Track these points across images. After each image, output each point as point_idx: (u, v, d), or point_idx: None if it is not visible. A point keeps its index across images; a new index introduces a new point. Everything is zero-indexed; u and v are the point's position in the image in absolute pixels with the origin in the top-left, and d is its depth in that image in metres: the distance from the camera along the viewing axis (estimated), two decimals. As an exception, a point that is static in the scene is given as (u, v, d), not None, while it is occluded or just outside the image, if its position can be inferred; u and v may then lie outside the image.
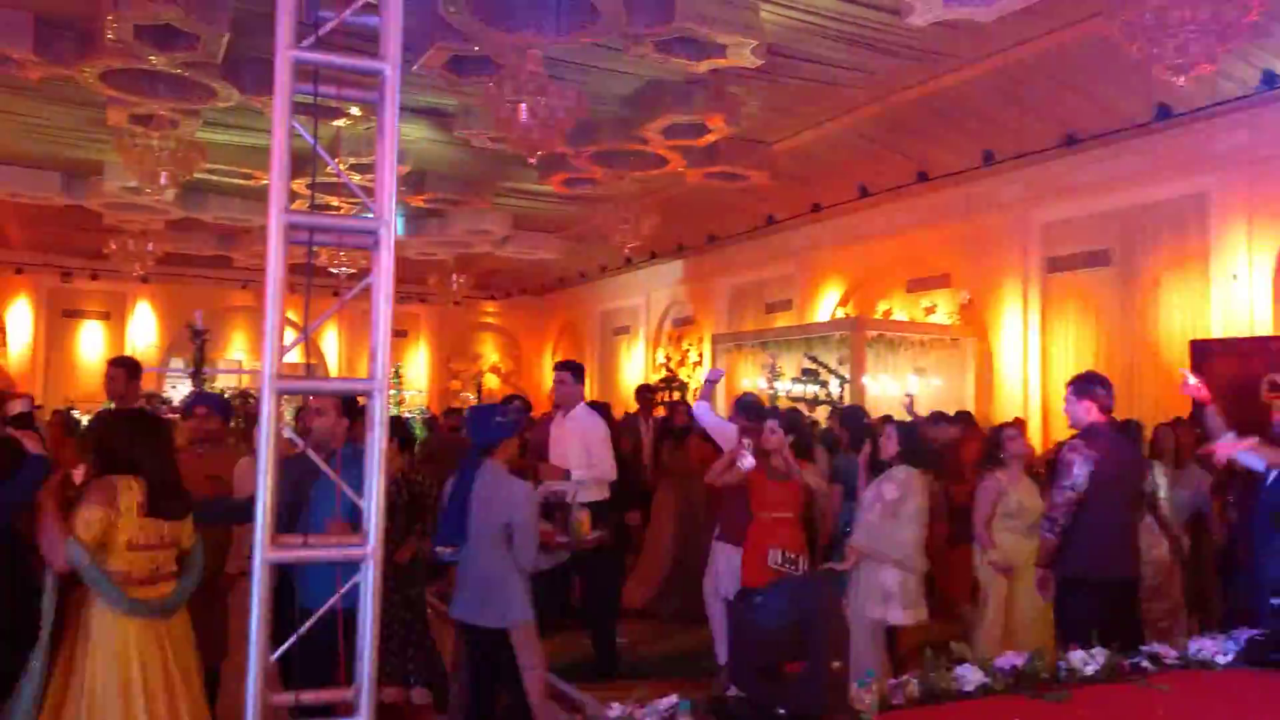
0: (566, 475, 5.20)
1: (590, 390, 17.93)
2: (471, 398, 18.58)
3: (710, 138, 9.07)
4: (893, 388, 9.87)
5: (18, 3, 6.92)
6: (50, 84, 7.97)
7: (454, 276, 16.17)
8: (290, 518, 3.44)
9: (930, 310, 11.28)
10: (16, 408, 3.60)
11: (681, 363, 15.44)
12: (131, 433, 3.25)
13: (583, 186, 11.04)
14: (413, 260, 14.93)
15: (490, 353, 21.00)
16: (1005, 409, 9.62)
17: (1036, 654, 2.83)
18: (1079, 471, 4.32)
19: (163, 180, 8.61)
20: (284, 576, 3.42)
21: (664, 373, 15.38)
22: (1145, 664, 3.05)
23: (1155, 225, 8.88)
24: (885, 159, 10.12)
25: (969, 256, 10.68)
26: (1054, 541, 4.38)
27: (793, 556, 4.79)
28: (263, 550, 2.29)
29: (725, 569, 5.25)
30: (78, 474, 3.31)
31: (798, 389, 10.48)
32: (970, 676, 2.70)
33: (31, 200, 11.56)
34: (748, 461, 4.76)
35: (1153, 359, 8.69)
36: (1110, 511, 4.37)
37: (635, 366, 17.13)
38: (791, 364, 10.82)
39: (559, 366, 6.02)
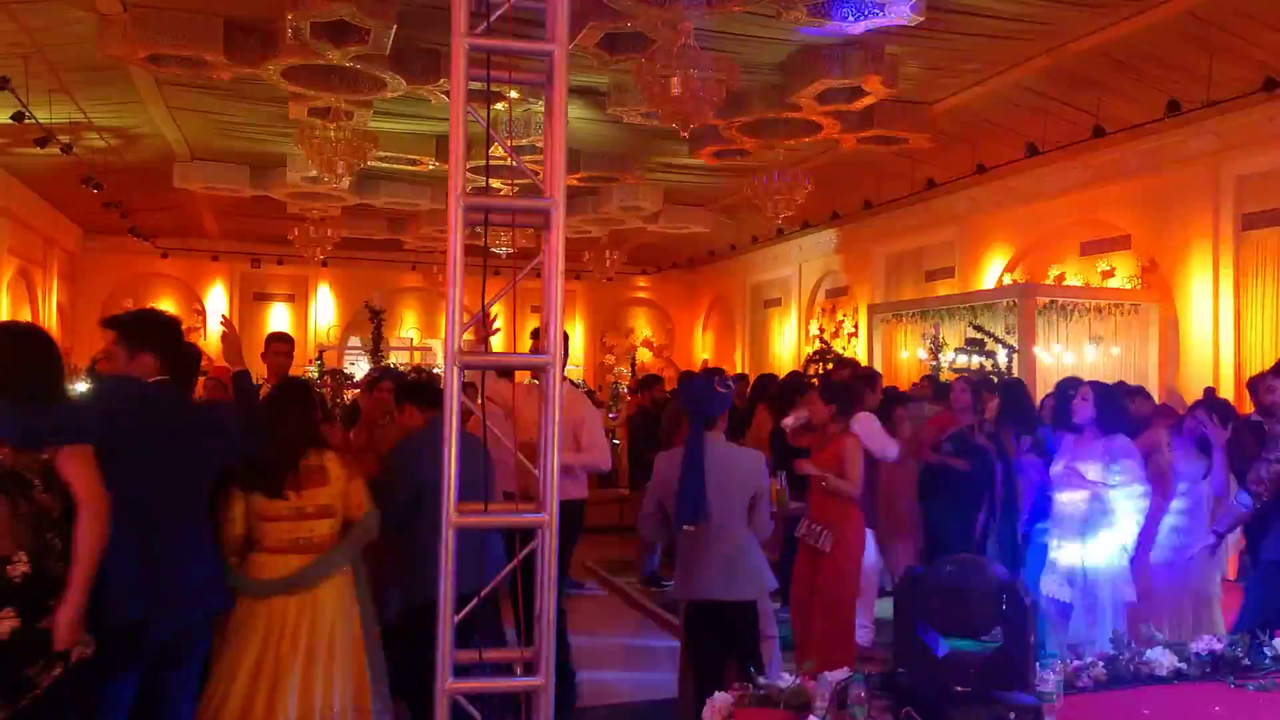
0: None
1: (741, 363, 17.90)
2: (625, 372, 18.86)
3: (866, 101, 8.81)
4: (1067, 357, 9.37)
5: (209, 9, 7.47)
6: (239, 83, 8.58)
7: (607, 253, 16.43)
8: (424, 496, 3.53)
9: (1108, 274, 10.61)
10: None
11: (835, 334, 15.15)
12: (272, 410, 3.47)
13: (733, 158, 10.96)
14: (568, 238, 15.24)
15: (643, 327, 21.25)
16: (1193, 380, 8.95)
17: (1239, 639, 2.65)
18: None
19: (339, 169, 9.12)
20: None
21: (817, 345, 15.14)
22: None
23: (1371, 174, 8.02)
24: (1056, 114, 9.53)
25: (1151, 216, 9.96)
26: (1246, 515, 4.09)
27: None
28: (448, 516, 2.43)
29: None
30: None
31: (961, 360, 10.10)
32: (1163, 661, 2.56)
33: (224, 192, 12.51)
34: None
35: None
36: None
37: (787, 339, 16.95)
38: (955, 334, 10.44)
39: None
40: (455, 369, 2.48)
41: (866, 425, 5.52)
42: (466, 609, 2.52)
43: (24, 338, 2.78)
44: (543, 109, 8.85)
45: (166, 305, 17.46)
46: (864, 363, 13.42)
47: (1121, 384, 7.04)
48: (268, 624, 3.17)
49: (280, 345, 6.03)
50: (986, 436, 6.03)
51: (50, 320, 14.90)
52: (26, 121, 9.36)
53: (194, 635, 3.00)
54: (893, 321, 11.93)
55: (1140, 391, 7.00)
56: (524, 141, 9.51)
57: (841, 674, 2.25)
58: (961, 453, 6.17)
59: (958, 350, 10.20)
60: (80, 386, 4.72)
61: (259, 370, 5.64)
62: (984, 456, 5.88)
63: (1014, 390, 6.46)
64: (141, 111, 9.93)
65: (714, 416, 3.64)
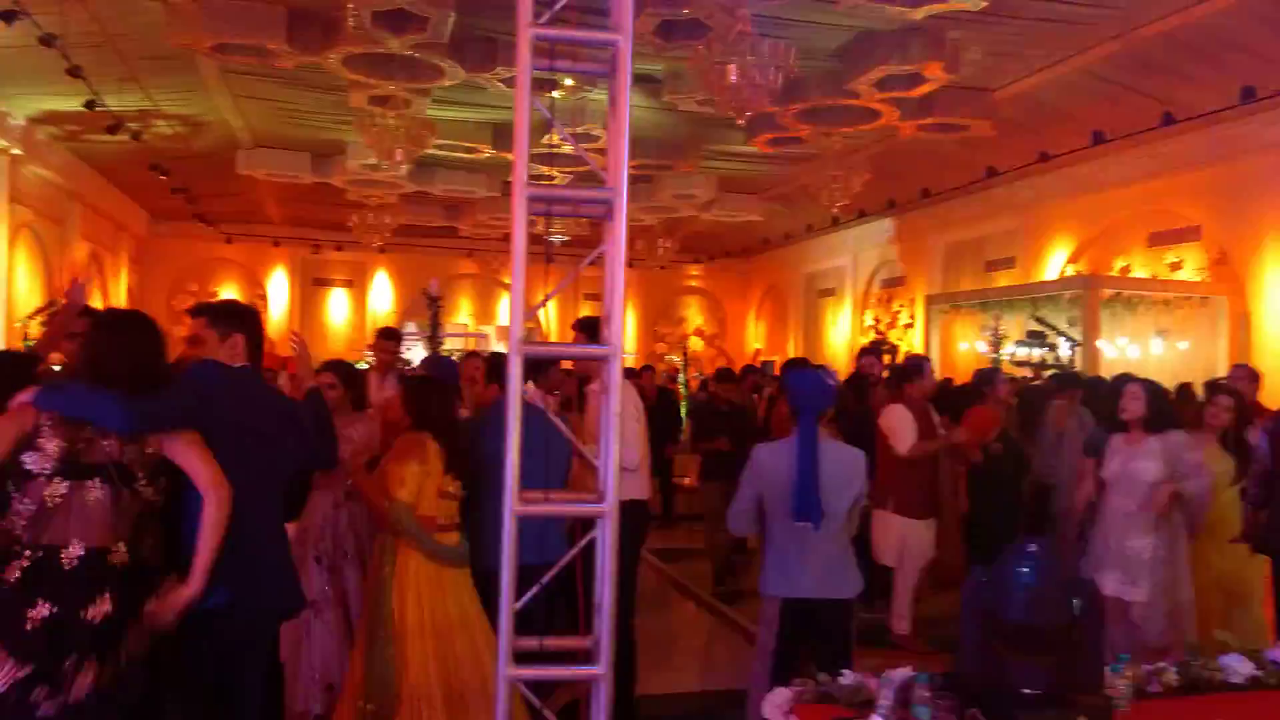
0: None
1: (796, 353, 17.75)
2: (677, 359, 18.83)
3: (926, 88, 8.64)
4: (1131, 351, 9.12)
5: (273, -2, 7.60)
6: (301, 71, 8.71)
7: (660, 241, 16.39)
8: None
9: (1176, 266, 10.29)
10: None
11: (891, 325, 14.95)
12: (433, 394, 3.56)
13: (789, 145, 10.84)
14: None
15: (694, 316, 21.19)
16: (1266, 375, 8.66)
17: (1320, 648, 2.55)
18: None
19: (398, 157, 9.24)
20: None
21: (872, 335, 14.97)
22: None
23: None
24: (1124, 101, 9.26)
25: (1223, 206, 9.63)
26: None
27: None
28: (511, 503, 2.45)
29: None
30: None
31: (1022, 352, 9.90)
32: (1238, 668, 2.48)
33: (285, 179, 12.73)
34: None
35: None
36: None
37: (841, 330, 16.77)
38: (1016, 327, 10.22)
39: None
40: (518, 358, 2.48)
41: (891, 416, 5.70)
42: (526, 596, 2.54)
43: (133, 326, 2.80)
44: (595, 97, 8.86)
45: (230, 290, 17.87)
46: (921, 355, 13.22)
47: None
48: (434, 589, 3.33)
49: (388, 344, 6.55)
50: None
51: (120, 303, 15.32)
52: (98, 109, 9.63)
53: (269, 619, 3.05)
54: (951, 313, 11.72)
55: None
56: (578, 129, 9.51)
57: (906, 673, 2.22)
58: (1009, 452, 6.06)
59: (1018, 343, 9.99)
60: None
61: (321, 356, 5.76)
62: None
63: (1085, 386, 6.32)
64: (207, 99, 10.14)
65: (826, 410, 3.55)
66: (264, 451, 2.95)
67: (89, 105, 9.53)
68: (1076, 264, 11.52)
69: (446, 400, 3.55)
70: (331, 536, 4.03)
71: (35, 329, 10.15)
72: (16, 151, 11.13)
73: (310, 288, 18.81)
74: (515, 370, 2.48)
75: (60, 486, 2.43)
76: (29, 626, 2.34)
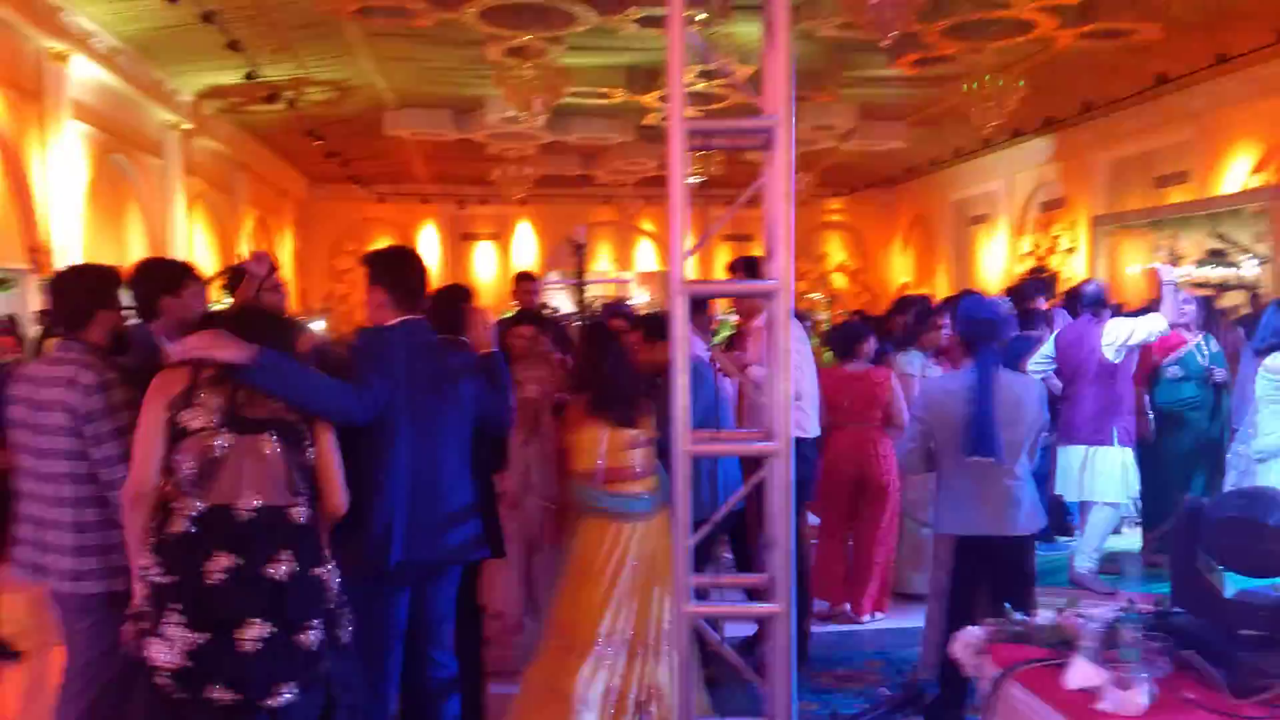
0: None
1: (946, 284, 17.07)
2: (819, 297, 18.45)
3: (1088, -9, 8.01)
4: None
5: (411, -43, 7.73)
6: (439, 28, 8.87)
7: (798, 176, 15.97)
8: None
9: (1383, 170, 9.26)
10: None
11: (1051, 250, 14.11)
12: (589, 344, 3.55)
13: (936, 65, 10.30)
14: (755, 163, 14.97)
15: (836, 251, 20.66)
16: None
17: None
18: None
19: (536, 107, 9.31)
20: None
21: (1031, 262, 14.19)
22: None
23: None
24: (1319, -12, 8.31)
25: None
26: None
27: None
28: (681, 443, 2.44)
29: None
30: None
31: (1202, 273, 9.17)
32: None
33: (429, 137, 13.09)
34: None
35: None
36: None
37: (995, 257, 15.99)
38: (1193, 245, 9.47)
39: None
40: (682, 298, 2.46)
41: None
42: (700, 533, 2.55)
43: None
44: (728, 32, 8.62)
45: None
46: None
47: None
48: (614, 542, 3.30)
49: (528, 283, 7.20)
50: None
51: (288, 266, 16.26)
52: (256, 80, 10.12)
53: (453, 559, 3.09)
54: (1118, 234, 10.96)
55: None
56: (710, 66, 9.32)
57: (1111, 612, 2.10)
58: (1189, 376, 5.61)
59: (1198, 263, 9.25)
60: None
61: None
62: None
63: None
64: (354, 63, 10.48)
65: (1004, 341, 3.40)
66: (438, 404, 2.94)
67: (248, 77, 10.02)
68: (1262, 173, 10.51)
69: (618, 349, 3.49)
70: (520, 473, 4.19)
71: (217, 293, 10.84)
72: (187, 126, 11.87)
73: (459, 243, 19.42)
74: (680, 311, 2.46)
75: (226, 438, 2.33)
76: (209, 581, 2.21)
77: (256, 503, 2.32)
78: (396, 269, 2.99)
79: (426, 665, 3.03)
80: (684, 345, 2.44)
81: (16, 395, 3.03)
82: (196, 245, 12.89)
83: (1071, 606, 2.20)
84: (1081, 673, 2.04)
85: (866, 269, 20.68)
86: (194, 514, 2.31)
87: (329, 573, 2.38)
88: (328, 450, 2.50)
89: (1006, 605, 2.48)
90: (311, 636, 2.25)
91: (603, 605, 3.24)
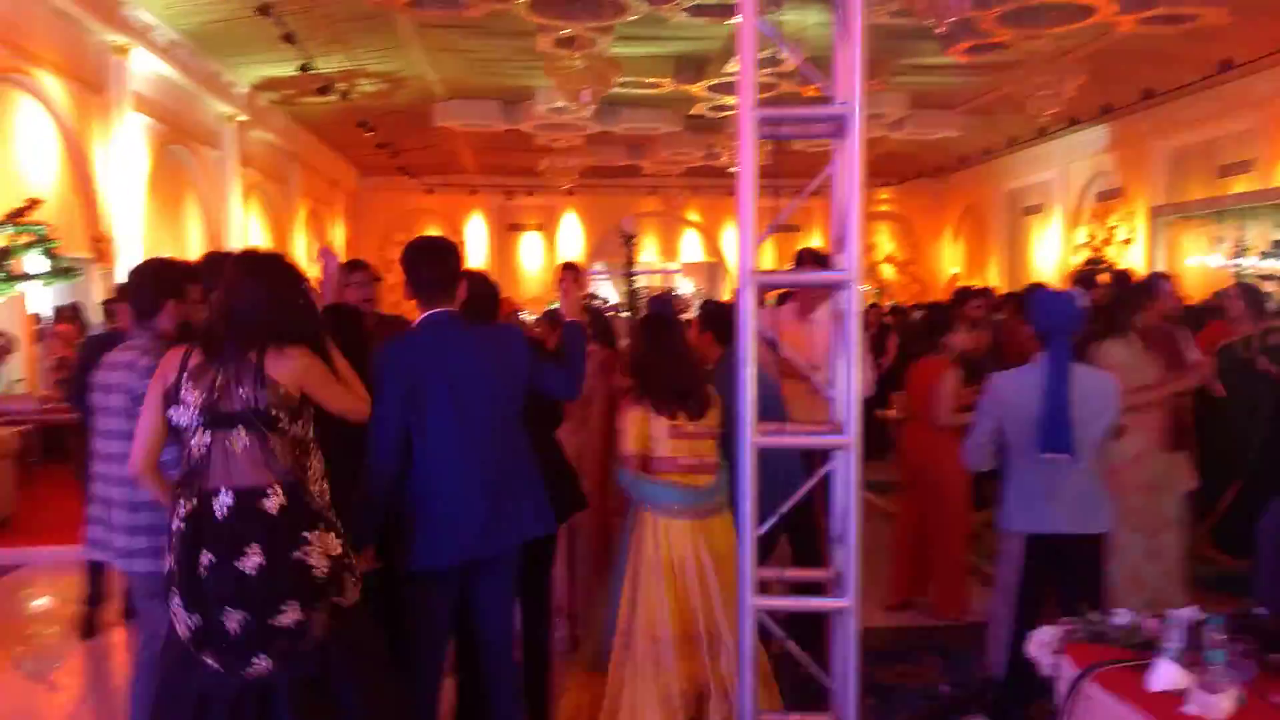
0: None
1: (998, 276, 16.78)
2: (866, 289, 18.23)
3: (1152, -25, 7.79)
4: None
5: (462, -51, 7.75)
6: (489, 20, 8.89)
7: (848, 165, 15.78)
8: None
9: None
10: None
11: (1108, 241, 13.80)
12: (649, 334, 3.48)
13: (990, 53, 10.10)
14: (804, 152, 14.84)
15: (885, 242, 20.42)
16: None
17: None
18: None
19: (585, 97, 9.30)
20: None
21: (1086, 254, 13.89)
22: None
23: None
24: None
25: None
26: None
27: None
28: (748, 435, 2.42)
29: None
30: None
31: (1267, 265, 8.92)
32: None
33: (478, 128, 13.16)
34: None
35: None
36: None
37: (1049, 249, 15.68)
38: (1258, 236, 9.21)
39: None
40: (751, 288, 2.43)
41: None
42: (766, 525, 2.53)
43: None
44: (785, 19, 8.51)
45: (431, 239, 18.81)
46: (1145, 273, 12.19)
47: None
48: (679, 538, 3.22)
49: (570, 273, 6.66)
50: (1268, 353, 5.24)
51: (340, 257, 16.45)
52: (310, 72, 10.24)
53: (511, 557, 3.03)
54: (1178, 224, 10.68)
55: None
56: (765, 53, 9.24)
57: (1193, 613, 2.04)
58: (1232, 370, 5.42)
59: (1264, 255, 8.99)
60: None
61: (512, 301, 5.91)
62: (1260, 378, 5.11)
63: None
64: (405, 55, 10.56)
65: (1076, 334, 3.30)
66: (470, 399, 2.84)
67: (303, 69, 10.14)
68: (1334, 162, 10.20)
69: (672, 337, 3.42)
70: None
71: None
72: (243, 118, 12.06)
73: (505, 233, 19.53)
74: (748, 299, 2.43)
75: (204, 437, 2.39)
76: (199, 572, 2.34)
77: (229, 499, 2.39)
78: (421, 261, 2.92)
79: (483, 652, 3.04)
80: (752, 336, 2.42)
81: (95, 381, 3.13)
82: (252, 235, 13.10)
83: (1150, 607, 2.14)
84: (1165, 675, 1.99)
85: (916, 260, 20.42)
86: (184, 514, 2.43)
87: (310, 550, 2.40)
88: (341, 405, 2.57)
89: (1081, 604, 2.42)
90: (286, 619, 2.34)
91: (679, 602, 3.18)
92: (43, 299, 8.91)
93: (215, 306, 2.51)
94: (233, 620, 2.33)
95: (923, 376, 4.82)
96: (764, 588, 2.58)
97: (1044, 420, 3.11)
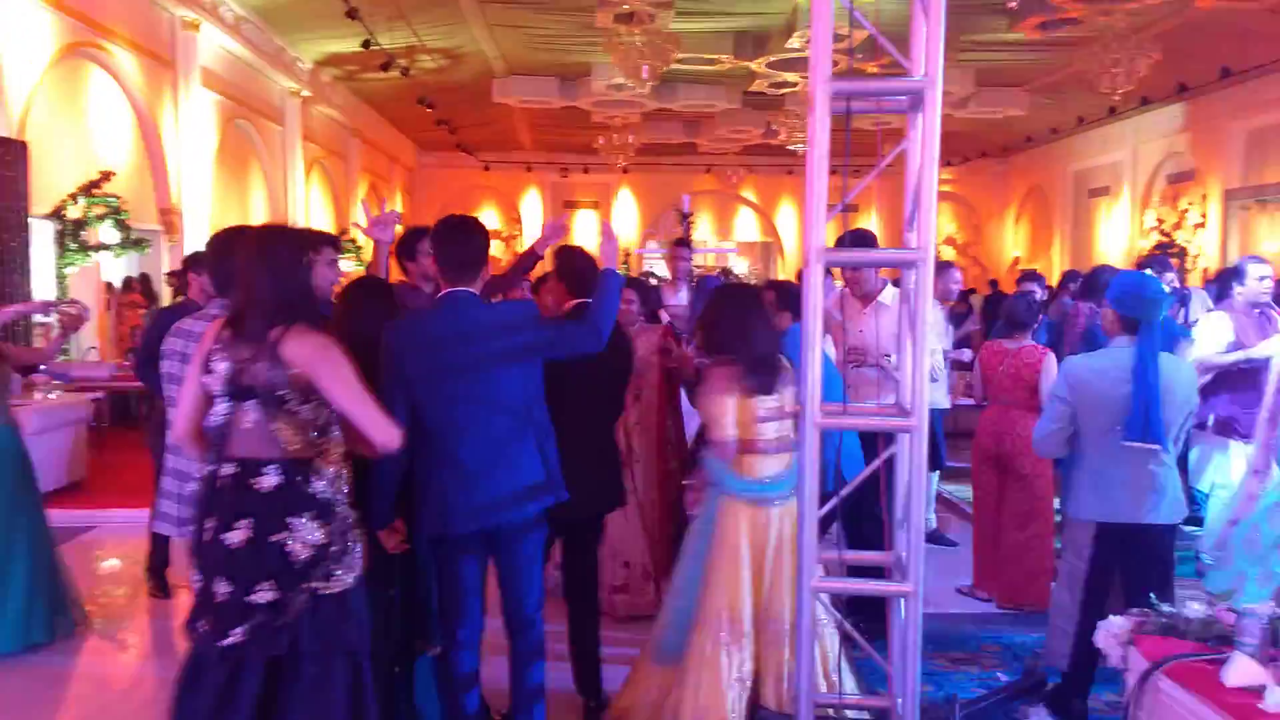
0: None
1: (1061, 259, 16.38)
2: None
3: (1237, -53, 7.48)
4: None
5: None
6: (548, -5, 8.90)
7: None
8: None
9: None
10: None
11: (1179, 225, 13.37)
12: (729, 311, 3.30)
13: (1060, 29, 9.80)
14: (867, 129, 14.59)
15: (945, 223, 20.05)
16: None
17: None
18: None
19: (644, 73, 9.24)
20: None
21: (1156, 238, 13.49)
22: None
23: None
24: None
25: None
26: None
27: None
28: (811, 415, 2.39)
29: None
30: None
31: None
32: None
33: (536, 105, 13.17)
34: None
35: None
36: None
37: (1117, 232, 15.26)
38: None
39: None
40: (818, 266, 2.40)
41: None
42: (826, 507, 2.50)
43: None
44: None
45: (489, 214, 18.95)
46: (1218, 258, 11.82)
47: None
48: (759, 527, 3.14)
49: (681, 250, 7.04)
50: None
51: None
52: (372, 49, 10.33)
53: (523, 529, 2.99)
54: (1254, 209, 10.31)
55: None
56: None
57: (1272, 608, 1.98)
58: None
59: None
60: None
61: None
62: None
63: None
64: (465, 31, 10.60)
65: (1162, 321, 3.20)
66: (478, 376, 2.83)
67: (365, 45, 10.24)
68: None
69: (763, 312, 3.33)
70: (623, 435, 4.19)
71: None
72: (306, 93, 12.23)
73: (561, 210, 19.58)
74: (815, 278, 2.40)
75: (225, 407, 2.43)
76: (204, 538, 2.42)
77: (231, 469, 2.45)
78: (449, 239, 2.92)
79: (511, 622, 3.06)
80: (818, 314, 2.39)
81: (166, 349, 3.18)
82: (313, 209, 13.31)
83: (1224, 600, 2.08)
84: (1242, 670, 1.93)
85: (977, 241, 20.04)
86: (200, 478, 2.53)
87: (293, 537, 2.42)
88: (344, 404, 2.50)
89: (1151, 596, 2.35)
90: (261, 597, 2.39)
91: (760, 589, 3.12)
92: (113, 270, 9.16)
93: (238, 283, 2.56)
94: (220, 589, 2.41)
95: (996, 358, 4.71)
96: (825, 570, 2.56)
97: (1136, 409, 3.01)
